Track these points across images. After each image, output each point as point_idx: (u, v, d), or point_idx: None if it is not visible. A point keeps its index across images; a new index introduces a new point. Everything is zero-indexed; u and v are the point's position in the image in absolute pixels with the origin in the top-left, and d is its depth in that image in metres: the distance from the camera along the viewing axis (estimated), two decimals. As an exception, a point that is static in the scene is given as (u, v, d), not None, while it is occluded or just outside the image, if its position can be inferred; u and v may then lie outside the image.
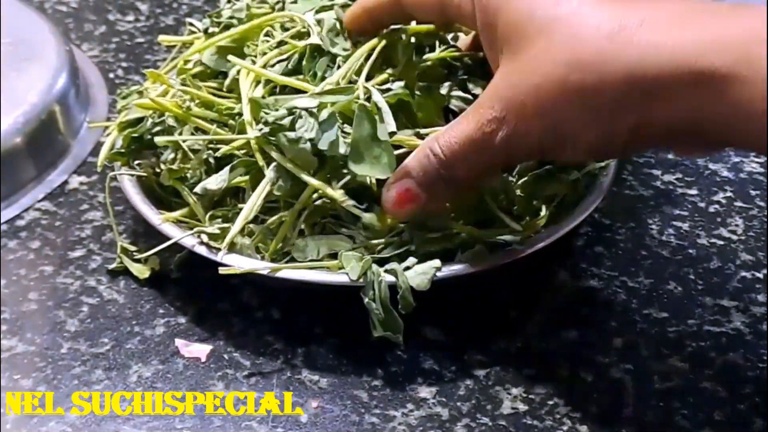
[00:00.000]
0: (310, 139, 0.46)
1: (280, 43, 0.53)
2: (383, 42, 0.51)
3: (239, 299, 0.51)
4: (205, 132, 0.51)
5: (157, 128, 0.52)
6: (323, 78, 0.50)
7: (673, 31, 0.37)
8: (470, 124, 0.43)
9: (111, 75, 0.71)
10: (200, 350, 0.49)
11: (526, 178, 0.50)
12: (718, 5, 0.39)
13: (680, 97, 0.37)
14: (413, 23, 0.51)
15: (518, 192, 0.50)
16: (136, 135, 0.53)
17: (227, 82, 0.53)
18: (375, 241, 0.48)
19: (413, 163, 0.45)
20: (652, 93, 0.38)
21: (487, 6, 0.43)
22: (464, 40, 0.53)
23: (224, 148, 0.50)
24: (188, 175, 0.52)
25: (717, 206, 0.59)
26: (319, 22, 0.52)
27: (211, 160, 0.51)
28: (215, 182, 0.49)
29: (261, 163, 0.48)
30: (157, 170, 0.53)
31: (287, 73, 0.51)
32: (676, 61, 0.37)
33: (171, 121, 0.52)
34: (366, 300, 0.46)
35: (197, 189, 0.50)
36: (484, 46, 0.45)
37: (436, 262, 0.46)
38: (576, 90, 0.39)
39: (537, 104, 0.41)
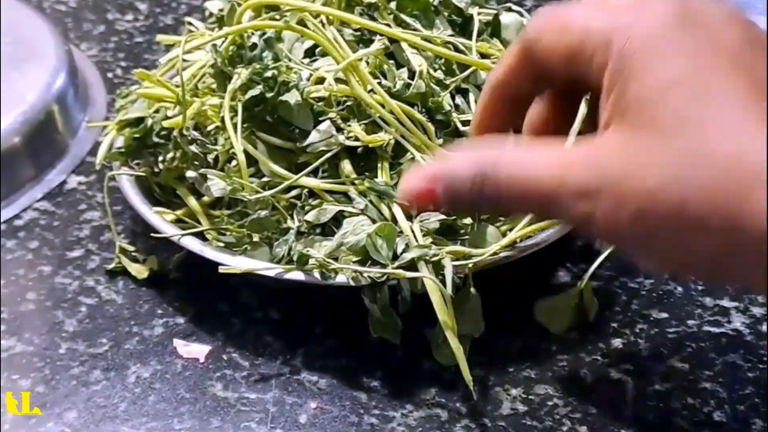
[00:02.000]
0: None
1: None
2: None
3: (238, 300, 0.51)
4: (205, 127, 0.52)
5: (158, 127, 0.52)
6: None
7: None
8: (551, 170, 0.34)
9: (110, 74, 0.71)
10: (199, 351, 0.49)
11: None
12: None
13: None
14: None
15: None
16: (137, 135, 0.53)
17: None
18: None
19: (458, 171, 0.36)
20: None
21: (630, 59, 0.33)
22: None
23: (218, 148, 0.50)
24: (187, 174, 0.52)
25: (717, 206, 0.58)
26: None
27: (210, 160, 0.51)
28: (217, 188, 0.49)
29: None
30: (156, 170, 0.53)
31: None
32: None
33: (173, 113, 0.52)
34: (367, 301, 0.45)
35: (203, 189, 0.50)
36: (603, 91, 0.35)
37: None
38: (693, 219, 0.31)
39: (636, 201, 0.32)
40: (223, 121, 0.50)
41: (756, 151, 0.30)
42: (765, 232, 0.30)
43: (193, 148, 0.52)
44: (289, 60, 0.51)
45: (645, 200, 0.32)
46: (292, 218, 0.49)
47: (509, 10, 0.59)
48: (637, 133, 0.33)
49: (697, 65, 0.32)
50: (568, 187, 0.33)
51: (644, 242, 0.33)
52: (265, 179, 0.50)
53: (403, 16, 0.54)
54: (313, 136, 0.49)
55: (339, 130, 0.49)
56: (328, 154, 0.49)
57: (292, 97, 0.49)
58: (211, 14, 0.59)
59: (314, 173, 0.50)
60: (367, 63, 0.51)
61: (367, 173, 0.50)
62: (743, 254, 0.31)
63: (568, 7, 0.37)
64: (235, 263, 0.47)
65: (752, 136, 0.31)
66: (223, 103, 0.50)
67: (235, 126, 0.49)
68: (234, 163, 0.51)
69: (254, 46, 0.51)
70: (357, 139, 0.49)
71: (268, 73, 0.50)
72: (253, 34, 0.53)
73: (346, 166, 0.49)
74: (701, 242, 0.32)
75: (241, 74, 0.50)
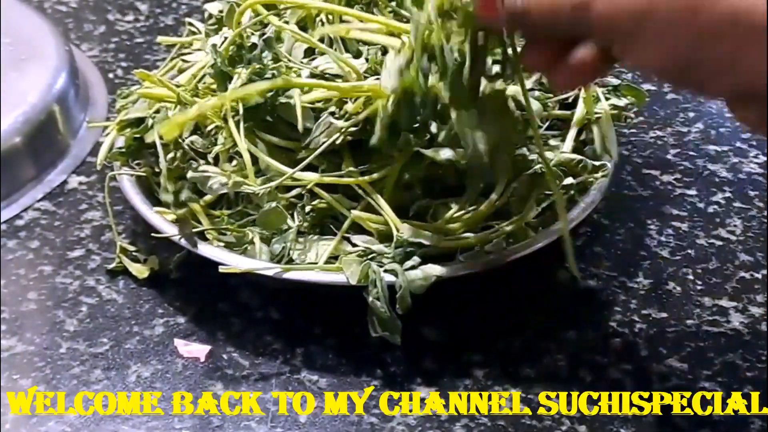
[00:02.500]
0: None
1: None
2: None
3: (238, 299, 0.51)
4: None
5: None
6: None
7: None
8: None
9: (110, 75, 0.71)
10: (199, 350, 0.49)
11: (520, 178, 0.50)
12: None
13: None
14: None
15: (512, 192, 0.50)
16: (138, 135, 0.53)
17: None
18: (374, 246, 0.48)
19: None
20: (749, 35, 0.35)
21: None
22: None
23: (218, 148, 0.50)
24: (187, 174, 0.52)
25: (716, 207, 0.59)
26: None
27: (210, 159, 0.51)
28: (217, 184, 0.49)
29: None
30: (157, 170, 0.53)
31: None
32: None
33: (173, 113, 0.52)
34: (370, 299, 0.46)
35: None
36: None
37: (436, 269, 0.46)
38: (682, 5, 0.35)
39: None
40: (225, 120, 0.50)
41: None
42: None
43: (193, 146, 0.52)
44: (289, 60, 0.51)
45: None
46: (293, 218, 0.49)
47: None
48: None
49: None
50: None
51: (637, 25, 0.36)
52: (265, 177, 0.50)
53: (404, 12, 0.54)
54: (313, 131, 0.49)
55: (333, 113, 0.49)
56: (329, 141, 0.49)
57: (292, 98, 0.50)
58: (210, 16, 0.59)
59: (314, 169, 0.50)
60: (367, 60, 0.51)
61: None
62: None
63: None
64: (235, 263, 0.47)
65: None
66: (224, 105, 0.50)
67: (237, 124, 0.49)
68: (234, 162, 0.51)
69: (254, 46, 0.51)
70: (355, 124, 0.49)
71: (268, 74, 0.50)
72: (252, 34, 0.53)
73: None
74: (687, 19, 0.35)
75: (242, 74, 0.50)
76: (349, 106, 0.49)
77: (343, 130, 0.49)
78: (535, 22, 0.39)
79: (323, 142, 0.49)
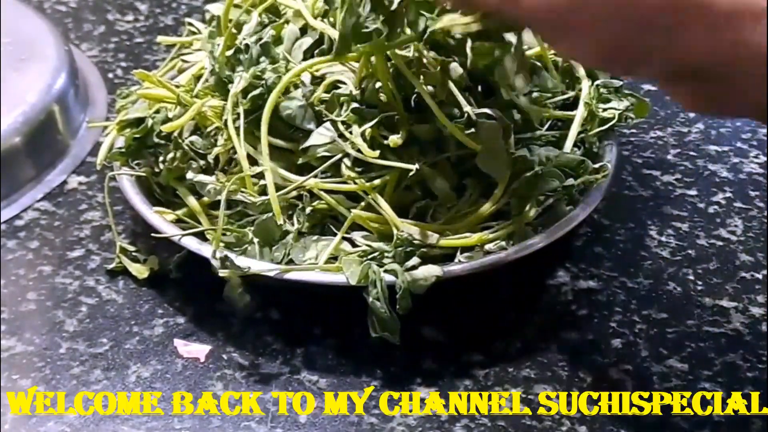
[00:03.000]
0: None
1: None
2: None
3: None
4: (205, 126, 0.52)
5: (159, 128, 0.52)
6: None
7: None
8: None
9: (110, 75, 0.71)
10: (199, 350, 0.49)
11: (520, 179, 0.50)
12: None
13: (722, 25, 0.35)
14: None
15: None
16: (138, 136, 0.53)
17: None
18: (375, 244, 0.48)
19: None
20: (695, 16, 0.35)
21: None
22: None
23: (217, 150, 0.50)
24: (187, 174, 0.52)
25: (716, 207, 0.59)
26: None
27: (210, 159, 0.51)
28: (214, 189, 0.50)
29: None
30: (157, 170, 0.53)
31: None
32: None
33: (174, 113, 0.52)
34: (370, 299, 0.46)
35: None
36: None
37: (436, 269, 0.46)
38: None
39: None
40: (225, 124, 0.50)
41: None
42: None
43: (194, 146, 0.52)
44: (288, 62, 0.51)
45: None
46: (291, 219, 0.49)
47: None
48: None
49: None
50: None
51: (565, 19, 0.37)
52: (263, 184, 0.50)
53: None
54: (314, 139, 0.49)
55: (341, 136, 0.49)
56: (330, 161, 0.49)
57: (293, 100, 0.49)
58: (213, 17, 0.58)
59: (314, 170, 0.50)
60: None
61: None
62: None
63: None
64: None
65: None
66: (226, 107, 0.50)
67: (237, 130, 0.49)
68: (235, 163, 0.51)
69: (246, 47, 0.52)
70: (360, 150, 0.49)
71: (268, 75, 0.50)
72: (246, 38, 0.53)
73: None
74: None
75: (242, 78, 0.50)
76: (359, 140, 0.49)
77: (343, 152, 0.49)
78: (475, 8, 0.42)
79: (323, 156, 0.49)
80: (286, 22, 0.54)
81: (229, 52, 0.53)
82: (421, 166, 0.48)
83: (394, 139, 0.48)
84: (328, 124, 0.49)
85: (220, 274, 0.47)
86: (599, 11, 0.37)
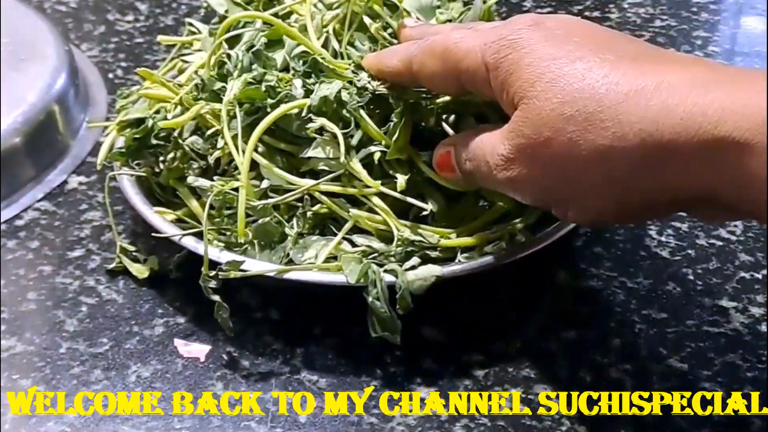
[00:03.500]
0: None
1: None
2: None
3: (238, 299, 0.51)
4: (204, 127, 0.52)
5: (159, 128, 0.52)
6: None
7: (692, 96, 0.36)
8: (486, 147, 0.43)
9: (110, 75, 0.71)
10: (199, 350, 0.49)
11: None
12: (739, 70, 0.37)
13: (696, 163, 0.36)
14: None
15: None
16: (138, 136, 0.53)
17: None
18: (376, 245, 0.48)
19: (459, 139, 0.46)
20: (666, 157, 0.36)
21: (500, 66, 0.42)
22: None
23: (217, 153, 0.50)
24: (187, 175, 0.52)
25: (716, 207, 0.58)
26: None
27: (210, 160, 0.51)
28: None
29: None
30: (157, 170, 0.53)
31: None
32: (694, 126, 0.35)
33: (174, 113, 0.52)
34: (370, 299, 0.46)
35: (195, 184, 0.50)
36: (503, 107, 0.43)
37: (436, 269, 0.46)
38: (589, 150, 0.38)
39: (546, 159, 0.40)
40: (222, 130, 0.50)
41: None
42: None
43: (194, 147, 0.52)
44: (280, 70, 0.51)
45: (546, 150, 0.40)
46: (291, 222, 0.49)
47: None
48: (530, 109, 0.40)
49: (554, 46, 0.40)
50: (494, 161, 0.42)
51: (567, 191, 0.41)
52: (266, 183, 0.50)
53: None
54: (316, 150, 0.49)
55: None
56: (331, 176, 0.49)
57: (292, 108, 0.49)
58: (220, 18, 0.58)
59: (315, 176, 0.50)
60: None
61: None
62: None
63: (442, 35, 0.46)
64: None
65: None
66: (221, 114, 0.50)
67: (234, 138, 0.49)
68: (235, 164, 0.51)
69: (230, 57, 0.51)
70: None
71: (269, 78, 0.50)
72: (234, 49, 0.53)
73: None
74: (600, 164, 0.39)
75: (234, 87, 0.50)
76: (358, 166, 0.48)
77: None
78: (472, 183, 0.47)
79: (322, 169, 0.49)
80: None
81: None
82: (418, 179, 0.49)
83: (401, 183, 0.48)
84: (332, 144, 0.49)
85: (221, 276, 0.47)
86: (599, 182, 0.39)
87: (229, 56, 0.52)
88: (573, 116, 0.38)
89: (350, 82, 0.49)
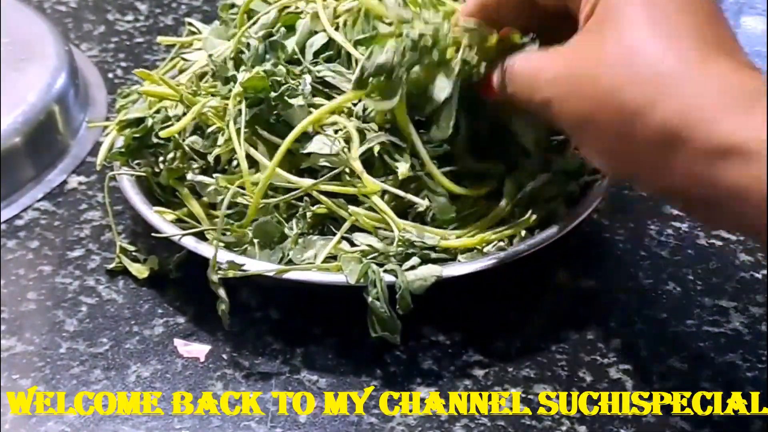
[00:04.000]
0: None
1: None
2: None
3: (238, 299, 0.51)
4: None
5: (159, 127, 0.52)
6: None
7: (732, 107, 0.36)
8: (531, 63, 0.44)
9: (110, 75, 0.71)
10: (199, 350, 0.49)
11: (525, 189, 0.50)
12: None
13: (701, 161, 0.36)
14: None
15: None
16: (138, 135, 0.53)
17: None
18: (376, 244, 0.48)
19: (504, 61, 0.46)
20: (678, 145, 0.37)
21: None
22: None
23: (217, 150, 0.50)
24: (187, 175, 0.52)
25: (716, 207, 0.58)
26: None
27: (210, 158, 0.51)
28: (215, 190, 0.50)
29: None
30: (157, 170, 0.53)
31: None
32: (716, 131, 0.36)
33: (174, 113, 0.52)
34: (369, 299, 0.46)
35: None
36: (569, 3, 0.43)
37: (436, 269, 0.46)
38: (616, 105, 0.39)
39: (584, 91, 0.40)
40: (227, 124, 0.50)
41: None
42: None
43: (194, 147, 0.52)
44: (290, 63, 0.51)
45: (588, 83, 0.40)
46: (291, 220, 0.49)
47: None
48: (593, 38, 0.41)
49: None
50: (538, 77, 0.43)
51: (579, 127, 0.41)
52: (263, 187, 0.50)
53: None
54: (316, 146, 0.49)
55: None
56: (333, 173, 0.49)
57: (296, 102, 0.49)
58: (233, 5, 0.58)
59: (314, 173, 0.50)
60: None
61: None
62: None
63: None
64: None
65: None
66: (227, 107, 0.50)
67: (238, 131, 0.49)
68: (235, 163, 0.51)
69: (248, 46, 0.51)
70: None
71: (279, 72, 0.50)
72: (251, 36, 0.53)
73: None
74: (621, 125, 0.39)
75: (244, 77, 0.50)
76: (358, 165, 0.48)
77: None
78: (518, 104, 0.46)
79: (323, 165, 0.49)
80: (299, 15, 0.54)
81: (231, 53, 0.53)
82: (420, 175, 0.49)
83: (403, 171, 0.48)
84: (334, 140, 0.49)
85: (221, 276, 0.47)
86: (605, 127, 0.40)
87: (248, 45, 0.52)
88: (619, 72, 0.39)
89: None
